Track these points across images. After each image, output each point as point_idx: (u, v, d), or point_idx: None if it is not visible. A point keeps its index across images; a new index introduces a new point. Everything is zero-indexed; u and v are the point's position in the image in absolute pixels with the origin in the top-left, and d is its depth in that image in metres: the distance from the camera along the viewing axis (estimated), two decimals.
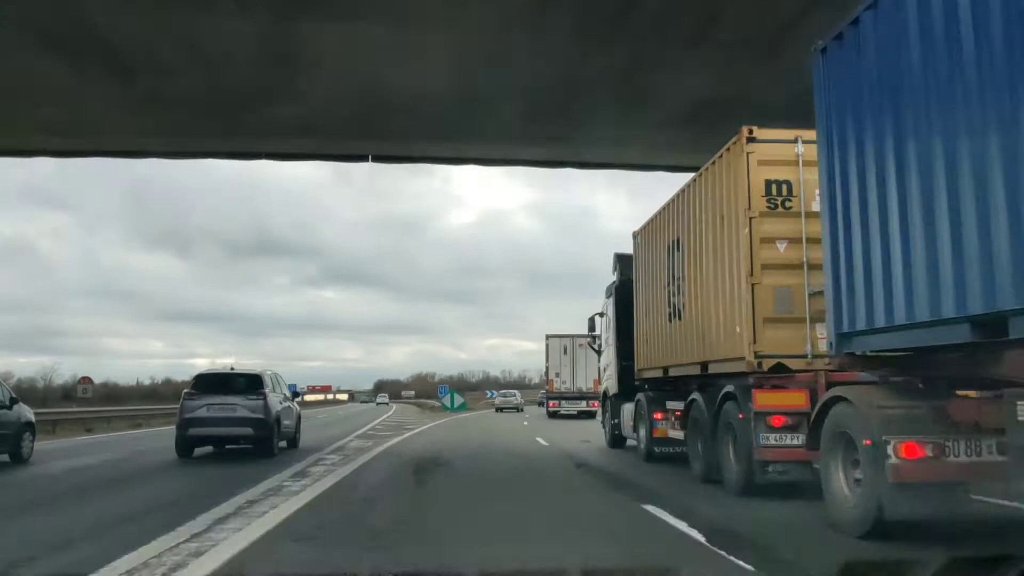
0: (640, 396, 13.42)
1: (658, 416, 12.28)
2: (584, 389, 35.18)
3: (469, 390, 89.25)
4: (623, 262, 15.28)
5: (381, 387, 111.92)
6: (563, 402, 35.64)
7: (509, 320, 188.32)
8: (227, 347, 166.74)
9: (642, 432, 13.11)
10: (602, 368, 18.60)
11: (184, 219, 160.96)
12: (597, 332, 19.65)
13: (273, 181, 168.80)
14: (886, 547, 5.65)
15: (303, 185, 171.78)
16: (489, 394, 70.53)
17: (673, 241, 11.45)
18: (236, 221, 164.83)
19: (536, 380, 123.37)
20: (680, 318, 11.07)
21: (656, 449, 12.48)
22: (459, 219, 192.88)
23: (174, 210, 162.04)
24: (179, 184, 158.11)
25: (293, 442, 15.27)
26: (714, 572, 5.11)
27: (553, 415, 36.23)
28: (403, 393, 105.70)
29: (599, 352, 19.36)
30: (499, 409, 48.45)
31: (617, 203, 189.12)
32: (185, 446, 13.30)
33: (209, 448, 14.08)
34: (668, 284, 11.71)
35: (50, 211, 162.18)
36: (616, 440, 16.18)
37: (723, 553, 5.54)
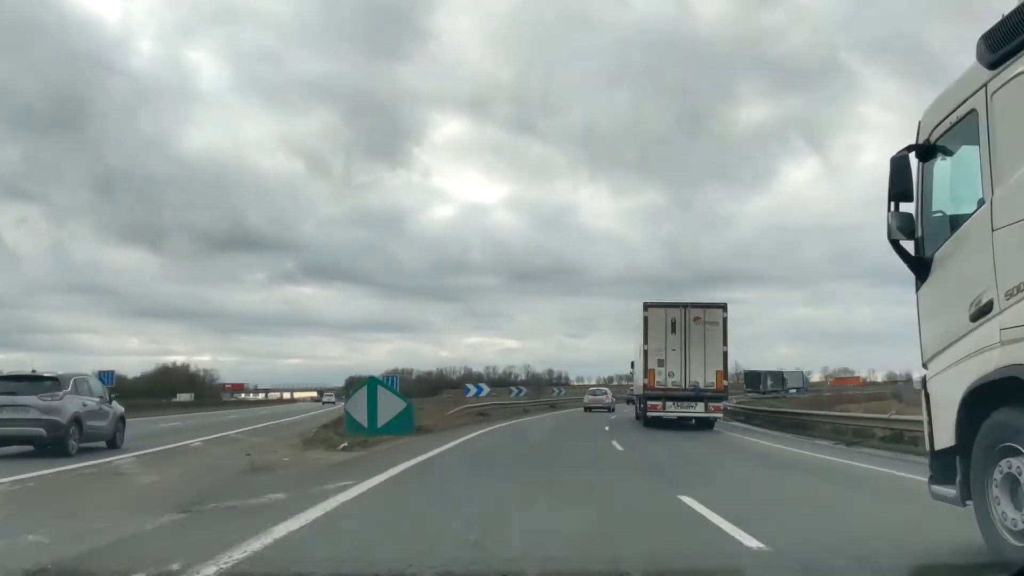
0: None
1: None
2: (702, 385, 23.45)
3: (449, 387, 77.94)
4: None
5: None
6: (670, 404, 23.75)
7: (491, 318, 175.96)
8: (204, 344, 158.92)
9: None
10: None
11: (157, 212, 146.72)
12: None
13: (249, 173, 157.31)
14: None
15: (279, 178, 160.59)
16: (516, 391, 57.41)
17: None
18: (211, 214, 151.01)
19: (522, 376, 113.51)
20: None
21: None
22: (440, 214, 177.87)
23: (147, 203, 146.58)
24: (152, 175, 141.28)
25: (112, 442, 15.31)
26: None
27: (652, 423, 24.30)
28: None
29: None
30: (588, 409, 43.96)
31: (599, 199, 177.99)
32: None
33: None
34: None
35: (18, 202, 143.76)
36: None
37: None
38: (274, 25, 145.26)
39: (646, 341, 24.03)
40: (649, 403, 23.94)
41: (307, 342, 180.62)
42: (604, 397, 46.42)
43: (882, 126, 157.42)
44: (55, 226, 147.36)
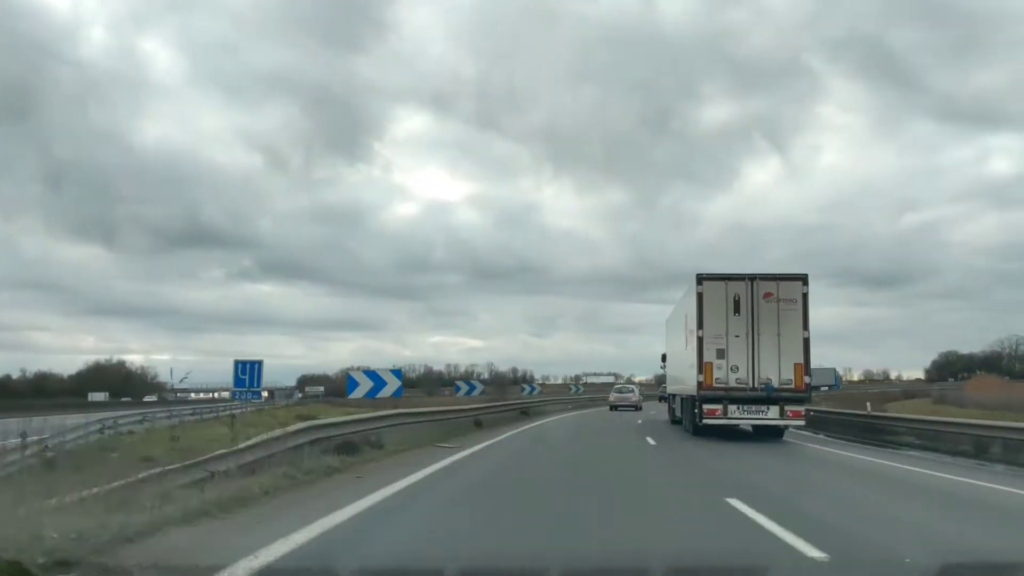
0: None
1: None
2: (776, 382, 17.66)
3: (408, 386, 71.64)
4: None
5: (305, 382, 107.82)
6: (733, 407, 17.85)
7: (454, 317, 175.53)
8: (161, 343, 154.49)
9: None
10: None
11: (111, 206, 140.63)
12: None
13: (205, 167, 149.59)
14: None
15: (236, 172, 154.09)
16: (526, 389, 52.26)
17: None
18: (167, 209, 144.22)
19: (485, 374, 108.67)
20: None
21: None
22: (401, 211, 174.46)
23: (100, 196, 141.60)
24: (105, 168, 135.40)
25: None
26: None
27: (702, 431, 18.48)
28: (307, 389, 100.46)
29: None
30: (614, 408, 41.68)
31: (563, 197, 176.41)
32: None
33: None
34: None
35: None
36: None
37: None
38: (230, 15, 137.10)
39: (700, 325, 18.10)
40: (706, 407, 18.02)
41: (267, 341, 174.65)
42: (631, 395, 44.10)
43: (843, 127, 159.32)
44: (3, 220, 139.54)
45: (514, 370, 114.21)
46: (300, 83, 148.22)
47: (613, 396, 44.92)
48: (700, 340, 18.08)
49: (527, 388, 65.69)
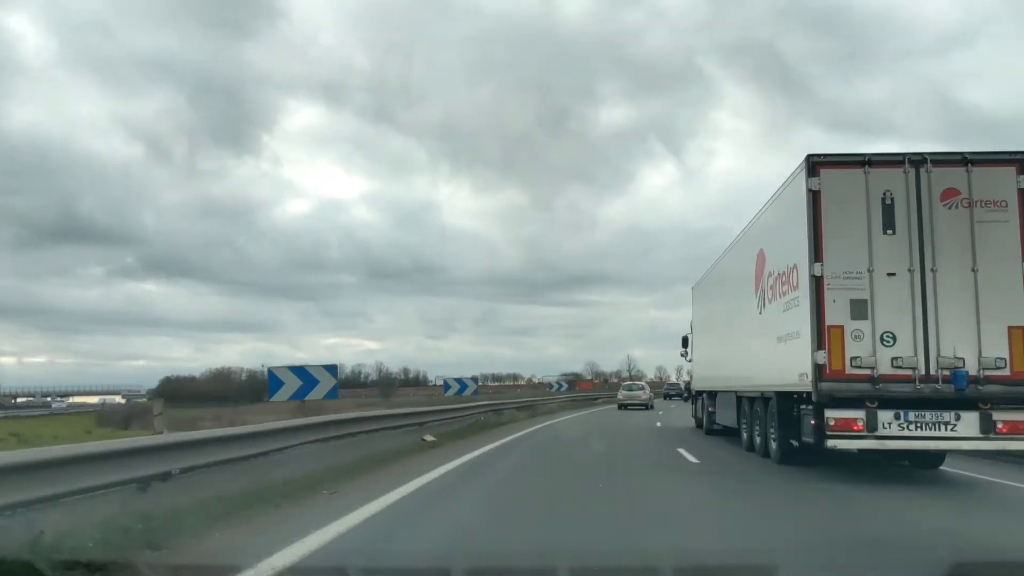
0: None
1: None
2: (975, 365, 8.70)
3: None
4: None
5: (169, 383, 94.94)
6: (888, 415, 8.88)
7: (349, 318, 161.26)
8: (36, 344, 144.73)
9: None
10: None
11: None
12: None
13: (80, 156, 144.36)
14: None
15: (115, 162, 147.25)
16: (554, 386, 51.58)
17: None
18: (37, 200, 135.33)
19: (373, 375, 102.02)
20: None
21: None
22: (293, 208, 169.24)
23: None
24: None
25: None
26: None
27: (801, 458, 9.70)
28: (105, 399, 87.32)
29: None
30: (623, 406, 38.48)
31: (460, 197, 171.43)
32: None
33: None
34: None
35: None
36: None
37: None
38: None
39: (816, 254, 9.12)
40: (832, 416, 8.98)
41: (152, 342, 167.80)
42: (641, 393, 40.64)
43: (735, 131, 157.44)
44: None
45: (405, 371, 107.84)
46: (184, 69, 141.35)
47: (622, 394, 41.64)
48: (817, 283, 9.13)
49: (463, 385, 58.02)
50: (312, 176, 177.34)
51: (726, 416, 15.90)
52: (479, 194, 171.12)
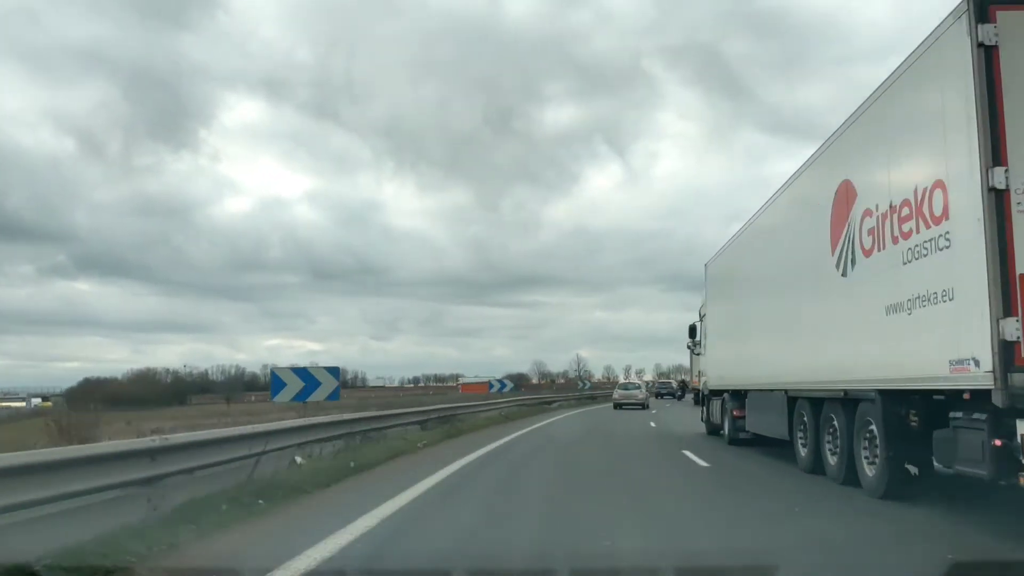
0: None
1: None
2: None
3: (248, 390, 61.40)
4: None
5: (88, 384, 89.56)
6: None
7: (291, 319, 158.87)
8: None
9: None
10: None
11: None
12: None
13: (6, 149, 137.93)
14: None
15: (42, 156, 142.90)
16: (495, 386, 43.53)
17: None
18: None
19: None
20: None
21: None
22: (234, 206, 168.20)
23: None
24: None
25: None
26: None
27: (911, 492, 6.88)
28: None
29: None
30: (619, 406, 37.87)
31: (405, 196, 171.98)
32: None
33: None
34: None
35: None
36: None
37: None
38: None
39: (997, 152, 5.46)
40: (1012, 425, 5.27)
41: (86, 343, 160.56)
42: (637, 392, 40.59)
43: (679, 134, 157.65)
44: None
45: (344, 371, 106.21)
46: (117, 60, 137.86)
47: (618, 394, 41.28)
48: (998, 202, 5.46)
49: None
50: (253, 173, 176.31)
51: (764, 422, 12.22)
52: (424, 193, 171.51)
